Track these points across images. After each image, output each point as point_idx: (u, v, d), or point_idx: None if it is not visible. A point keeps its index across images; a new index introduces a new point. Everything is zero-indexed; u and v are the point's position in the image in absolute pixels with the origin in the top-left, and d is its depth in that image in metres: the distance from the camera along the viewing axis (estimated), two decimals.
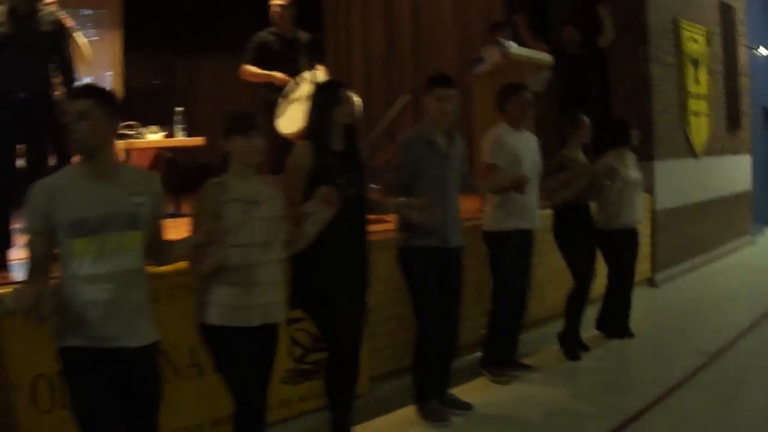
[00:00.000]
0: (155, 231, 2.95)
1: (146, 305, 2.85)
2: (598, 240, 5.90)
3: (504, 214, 5.09)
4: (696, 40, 9.80)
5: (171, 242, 3.08)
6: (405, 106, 7.53)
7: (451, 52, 9.95)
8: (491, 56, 7.00)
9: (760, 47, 13.13)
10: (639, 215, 6.30)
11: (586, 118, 5.77)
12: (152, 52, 11.60)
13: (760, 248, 11.73)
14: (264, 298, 3.24)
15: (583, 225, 5.80)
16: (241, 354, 3.20)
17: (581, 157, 5.80)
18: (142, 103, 9.97)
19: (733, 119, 11.01)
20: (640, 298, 7.88)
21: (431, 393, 4.54)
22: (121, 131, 8.23)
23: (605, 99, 8.49)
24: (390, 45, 11.49)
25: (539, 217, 5.34)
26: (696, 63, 9.73)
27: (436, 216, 4.00)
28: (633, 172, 6.11)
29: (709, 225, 10.08)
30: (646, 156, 8.48)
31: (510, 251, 5.10)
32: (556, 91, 7.93)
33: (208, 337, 3.24)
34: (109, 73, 11.57)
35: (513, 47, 6.89)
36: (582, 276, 5.71)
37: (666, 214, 8.78)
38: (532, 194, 5.15)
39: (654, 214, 8.57)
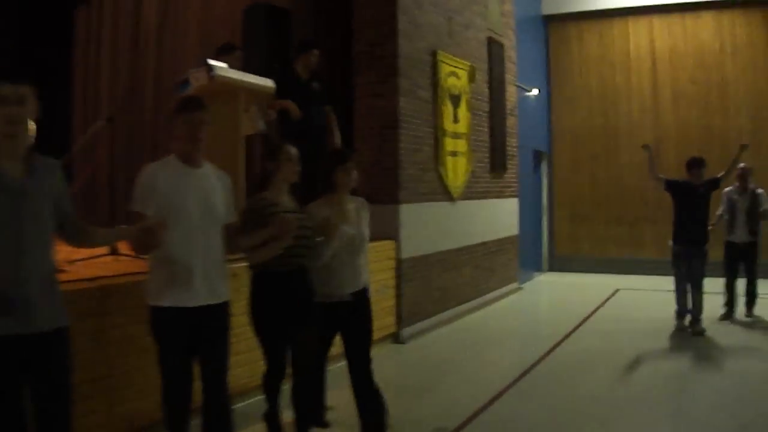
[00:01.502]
0: None
1: None
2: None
3: (159, 283, 3.88)
4: (457, 75, 9.39)
5: None
6: (99, 131, 6.48)
7: None
8: (197, 79, 6.12)
9: (532, 87, 13.06)
10: (361, 282, 4.80)
11: (291, 150, 4.48)
12: None
13: (527, 296, 11.57)
14: None
15: (289, 295, 4.43)
16: None
17: (287, 200, 4.48)
18: None
19: (498, 161, 10.75)
20: (382, 357, 7.24)
21: None
22: None
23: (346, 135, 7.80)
24: (134, 67, 10.51)
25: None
26: (456, 99, 9.31)
27: None
28: (351, 227, 4.64)
29: (468, 273, 9.68)
30: (391, 199, 7.89)
31: (166, 335, 3.91)
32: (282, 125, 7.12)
33: None
34: None
35: (222, 70, 6.04)
36: (277, 362, 4.56)
37: (413, 262, 8.24)
38: (201, 254, 3.89)
39: (398, 264, 7.94)
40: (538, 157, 13.95)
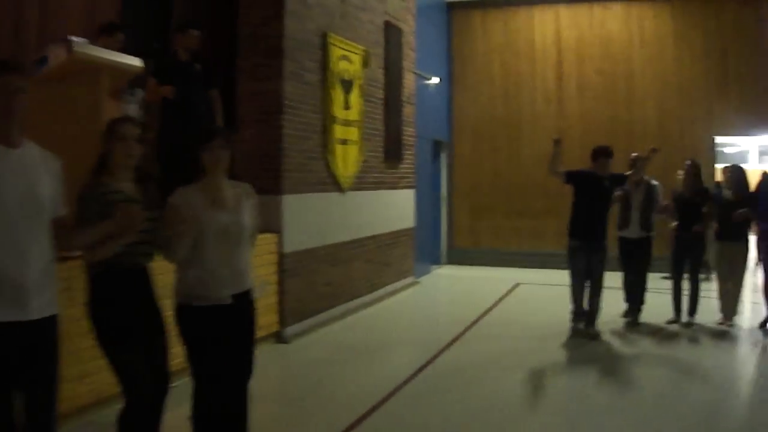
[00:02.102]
0: None
1: None
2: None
3: None
4: (350, 59, 9.15)
5: None
6: None
7: None
8: (56, 56, 5.70)
9: (432, 76, 12.94)
10: (244, 282, 4.16)
11: (125, 128, 3.86)
12: None
13: (424, 290, 11.46)
14: None
15: (138, 297, 3.92)
16: None
17: (130, 188, 3.89)
18: None
19: (393, 150, 10.57)
20: (263, 359, 6.96)
21: None
22: None
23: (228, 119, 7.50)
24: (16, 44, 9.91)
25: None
26: (348, 85, 9.07)
27: None
28: (227, 215, 4.02)
29: (360, 267, 9.48)
30: (274, 189, 7.59)
31: None
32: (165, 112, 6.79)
33: None
34: None
35: (83, 47, 5.65)
36: (136, 385, 3.84)
37: (298, 256, 7.99)
38: (19, 256, 3.21)
39: (281, 258, 7.67)
40: (437, 147, 13.87)
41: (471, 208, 14.20)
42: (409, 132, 11.28)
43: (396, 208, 10.78)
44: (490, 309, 9.72)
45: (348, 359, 7.24)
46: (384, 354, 7.57)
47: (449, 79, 14.24)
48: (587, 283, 8.04)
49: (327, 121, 8.58)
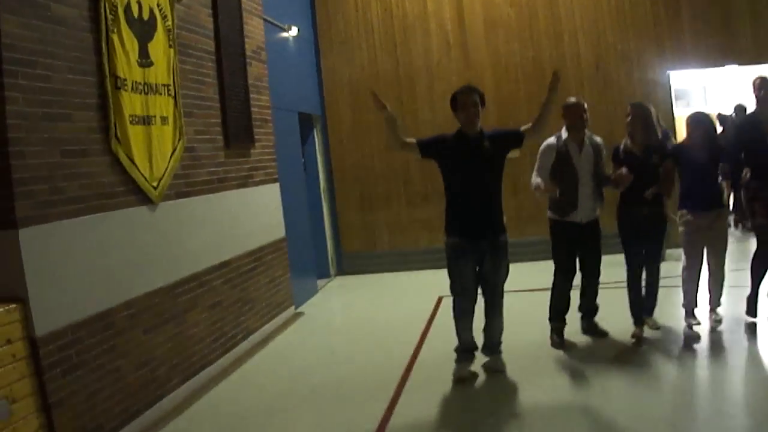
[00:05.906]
0: None
1: None
2: None
3: None
4: None
5: None
6: None
7: None
8: None
9: (290, 25, 9.61)
10: None
11: None
12: None
13: (310, 326, 8.25)
14: None
15: None
16: None
17: None
18: None
19: (238, 130, 7.20)
20: None
21: None
22: None
23: None
24: None
25: None
26: (146, 27, 5.66)
27: None
28: None
29: (200, 319, 6.21)
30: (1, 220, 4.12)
31: None
32: None
33: None
34: None
35: None
36: None
37: (70, 335, 4.57)
38: None
39: (34, 347, 4.23)
40: (308, 122, 10.55)
41: (360, 199, 10.97)
42: (262, 101, 7.90)
43: (253, 215, 7.39)
44: (415, 355, 6.51)
45: None
46: None
47: (314, 32, 10.93)
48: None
49: (107, 85, 5.06)
